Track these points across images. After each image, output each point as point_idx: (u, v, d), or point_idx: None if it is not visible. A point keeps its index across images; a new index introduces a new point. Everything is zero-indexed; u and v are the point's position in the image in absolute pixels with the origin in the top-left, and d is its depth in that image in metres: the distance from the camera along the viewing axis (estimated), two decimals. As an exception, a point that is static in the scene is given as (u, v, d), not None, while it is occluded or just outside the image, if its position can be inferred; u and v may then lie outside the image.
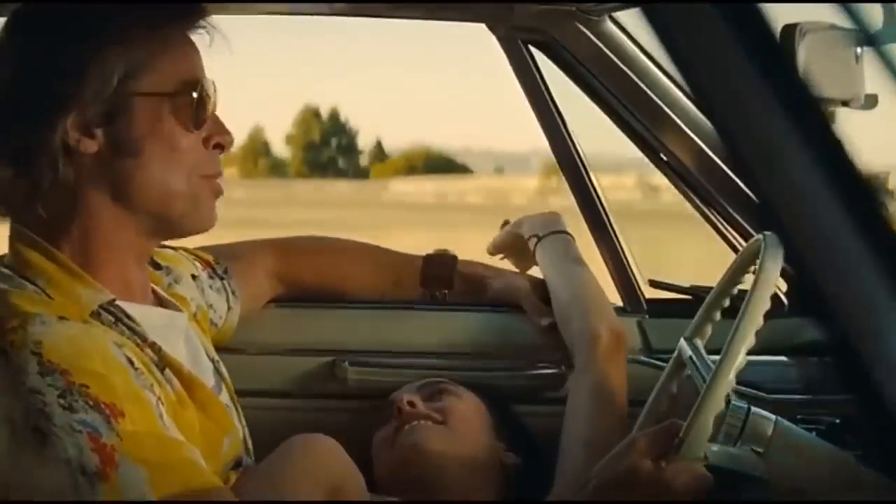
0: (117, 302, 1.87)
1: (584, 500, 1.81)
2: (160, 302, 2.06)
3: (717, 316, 2.15)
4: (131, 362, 1.77)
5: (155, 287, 2.08)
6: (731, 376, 1.76)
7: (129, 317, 1.87)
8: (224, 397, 2.07)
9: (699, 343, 2.15)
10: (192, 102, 1.89)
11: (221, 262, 2.39)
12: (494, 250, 2.80)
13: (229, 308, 2.39)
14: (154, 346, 1.88)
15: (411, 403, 2.41)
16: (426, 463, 2.34)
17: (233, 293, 2.39)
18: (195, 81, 1.90)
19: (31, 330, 1.71)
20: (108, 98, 1.82)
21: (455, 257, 2.67)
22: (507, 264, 2.80)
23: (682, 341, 2.17)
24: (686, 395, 2.05)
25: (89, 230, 1.88)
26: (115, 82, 1.82)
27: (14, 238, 1.90)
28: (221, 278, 2.37)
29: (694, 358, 2.10)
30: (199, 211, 1.94)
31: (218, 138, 1.94)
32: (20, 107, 1.83)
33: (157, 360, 1.86)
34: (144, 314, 1.92)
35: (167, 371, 1.88)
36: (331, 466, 2.09)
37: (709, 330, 2.16)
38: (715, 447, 1.76)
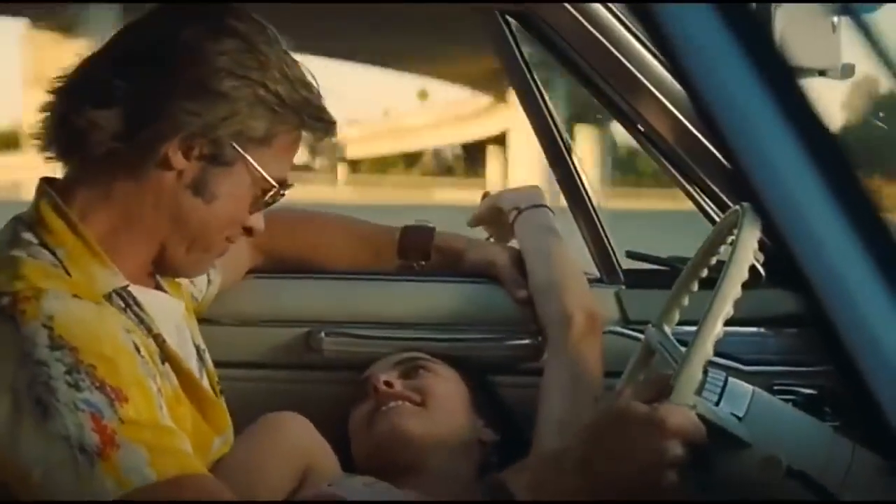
0: (129, 288, 1.90)
1: (576, 448, 1.79)
2: (158, 284, 2.08)
3: (686, 300, 2.14)
4: (138, 350, 1.79)
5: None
6: (719, 325, 1.75)
7: (138, 305, 1.90)
8: (204, 384, 2.07)
9: (667, 329, 2.14)
10: (273, 196, 1.99)
11: None
12: (475, 222, 2.79)
13: (209, 282, 2.40)
14: (158, 338, 1.91)
15: (388, 384, 2.40)
16: (404, 446, 2.33)
17: (213, 266, 2.39)
18: (285, 179, 1.99)
19: (45, 304, 1.72)
20: (225, 145, 1.89)
21: (433, 229, 2.67)
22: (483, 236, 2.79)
23: (650, 328, 2.16)
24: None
25: (125, 223, 1.91)
26: (243, 139, 1.89)
27: (41, 200, 1.91)
28: None
29: (663, 343, 2.09)
30: (203, 263, 2.06)
31: (255, 224, 2.03)
32: (168, 97, 1.85)
33: (160, 353, 1.89)
34: (151, 299, 1.95)
35: (167, 365, 1.90)
36: (300, 445, 2.09)
37: (677, 315, 2.14)
38: (702, 400, 1.76)
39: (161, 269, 2.03)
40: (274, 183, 1.96)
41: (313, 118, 1.96)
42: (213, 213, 1.93)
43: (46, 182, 1.93)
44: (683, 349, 1.87)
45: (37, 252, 1.83)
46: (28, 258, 1.82)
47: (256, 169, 1.92)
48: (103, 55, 1.93)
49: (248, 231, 2.02)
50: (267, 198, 1.98)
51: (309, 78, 1.96)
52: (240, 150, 1.89)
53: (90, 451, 1.65)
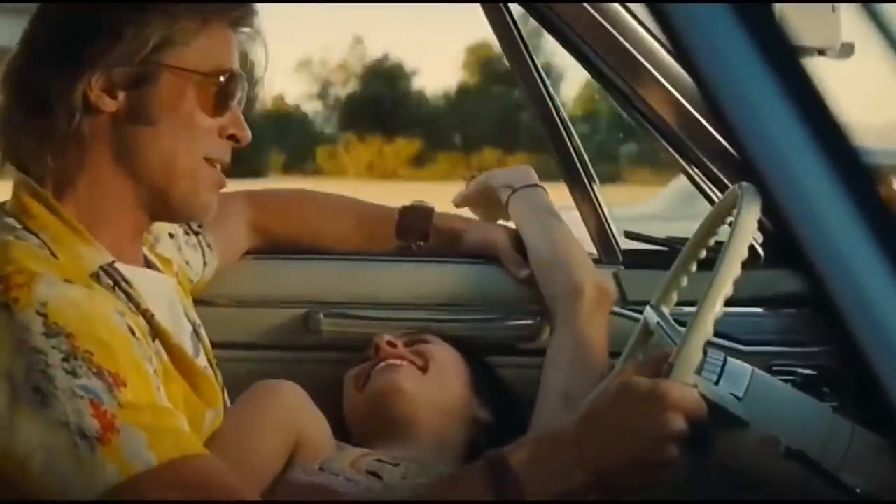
0: (115, 264, 1.87)
1: (578, 422, 1.78)
2: (148, 264, 2.07)
3: (685, 281, 2.14)
4: (132, 332, 1.77)
5: (144, 250, 2.07)
6: (719, 304, 1.75)
7: (126, 281, 1.88)
8: (202, 360, 2.07)
9: (665, 310, 2.14)
10: (217, 87, 1.92)
11: None
12: (463, 202, 2.79)
13: (205, 263, 2.40)
14: (147, 314, 1.89)
15: (391, 344, 2.40)
16: (397, 403, 2.33)
17: (209, 247, 2.39)
18: (225, 69, 1.93)
19: (38, 289, 1.70)
20: (138, 63, 1.85)
21: (432, 209, 2.67)
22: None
23: (648, 308, 2.16)
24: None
25: (92, 190, 1.89)
26: (148, 49, 1.85)
27: (18, 187, 1.90)
28: (196, 233, 2.36)
29: (661, 324, 2.10)
30: (199, 196, 1.96)
31: (234, 130, 1.97)
32: (50, 54, 1.85)
33: (148, 330, 1.88)
34: (139, 277, 1.93)
35: (157, 341, 1.89)
36: (294, 412, 2.09)
37: (675, 296, 2.15)
38: (702, 379, 1.76)
39: (167, 217, 2.02)
40: (212, 74, 1.91)
41: (215, 5, 1.92)
42: (166, 134, 1.89)
43: (22, 169, 1.92)
44: (682, 329, 1.87)
45: (23, 235, 1.82)
46: (15, 240, 1.81)
47: (185, 70, 1.88)
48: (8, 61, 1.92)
49: (233, 138, 1.97)
50: (218, 92, 1.92)
51: None
52: (154, 61, 1.86)
53: (90, 437, 1.64)
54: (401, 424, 2.33)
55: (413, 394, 2.34)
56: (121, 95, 1.86)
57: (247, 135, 1.98)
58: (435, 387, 2.37)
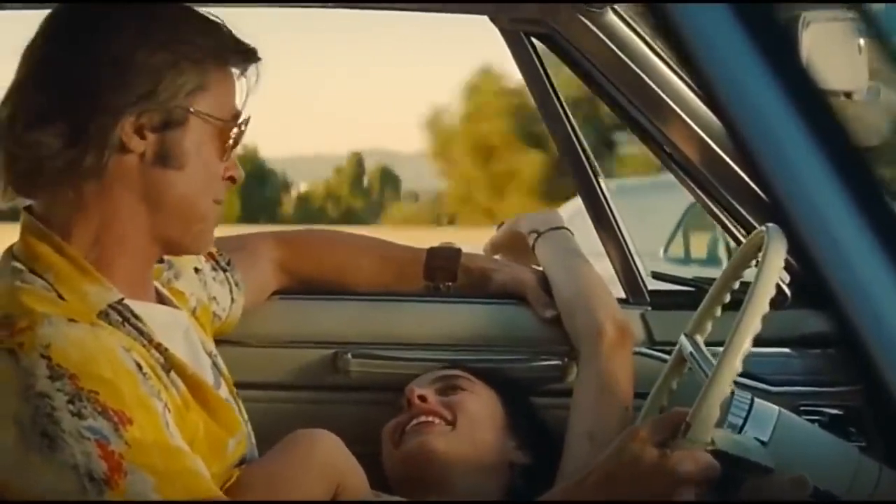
0: (125, 301, 1.88)
1: (587, 491, 1.80)
2: (160, 299, 2.08)
3: (718, 311, 2.15)
4: (139, 367, 1.78)
5: (156, 283, 2.08)
6: (738, 361, 1.76)
7: (136, 316, 1.88)
8: (223, 392, 2.08)
9: (699, 339, 2.15)
10: (235, 133, 1.97)
11: (225, 254, 2.39)
12: (493, 249, 2.79)
13: (233, 300, 2.40)
14: (160, 347, 1.89)
15: (422, 398, 2.41)
16: (429, 464, 2.34)
17: (236, 285, 2.40)
18: (239, 114, 1.98)
19: (41, 332, 1.71)
20: (170, 108, 1.88)
21: (459, 250, 2.67)
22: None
23: (683, 337, 2.17)
24: (687, 391, 2.04)
25: (108, 226, 1.90)
26: (182, 95, 1.88)
27: (25, 229, 1.91)
28: (225, 270, 2.37)
29: (694, 353, 2.11)
30: (207, 236, 2.02)
31: (233, 171, 2.01)
32: (96, 88, 1.85)
33: (163, 362, 1.88)
34: (150, 312, 1.93)
35: (172, 373, 1.89)
36: (333, 463, 2.09)
37: (709, 326, 2.16)
38: (721, 432, 1.77)
39: (174, 253, 2.05)
40: (230, 120, 1.95)
41: (231, 51, 1.95)
42: (189, 177, 1.92)
43: (28, 210, 1.93)
44: (714, 361, 1.88)
45: (29, 278, 1.83)
46: (21, 284, 1.82)
47: (208, 116, 1.92)
48: (22, 77, 1.92)
49: (232, 179, 2.01)
50: (231, 140, 1.97)
51: (211, 17, 1.96)
52: (184, 106, 1.88)
53: (98, 480, 1.65)
54: (435, 482, 2.33)
55: (444, 453, 2.34)
56: (150, 137, 1.88)
57: (242, 175, 2.03)
58: (466, 442, 2.37)
